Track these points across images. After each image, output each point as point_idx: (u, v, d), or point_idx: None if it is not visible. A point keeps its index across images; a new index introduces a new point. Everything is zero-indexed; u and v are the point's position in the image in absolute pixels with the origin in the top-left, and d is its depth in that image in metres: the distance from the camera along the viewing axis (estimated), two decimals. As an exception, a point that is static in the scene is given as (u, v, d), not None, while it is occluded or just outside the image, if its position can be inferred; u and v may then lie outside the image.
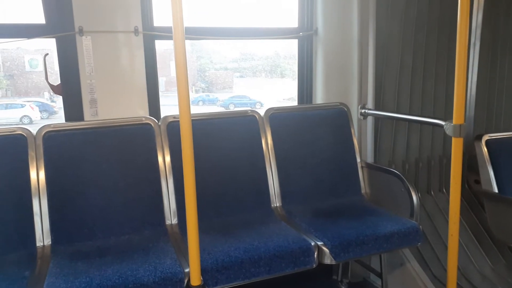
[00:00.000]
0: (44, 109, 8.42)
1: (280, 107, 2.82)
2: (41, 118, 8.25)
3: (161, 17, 2.66)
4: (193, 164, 1.72)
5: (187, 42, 1.85)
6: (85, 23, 2.44)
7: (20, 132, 2.23)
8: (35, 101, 8.51)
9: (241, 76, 10.67)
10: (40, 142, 2.25)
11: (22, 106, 8.69)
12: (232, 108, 9.91)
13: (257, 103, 10.07)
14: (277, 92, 9.01)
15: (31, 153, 2.22)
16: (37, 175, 2.20)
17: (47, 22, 2.48)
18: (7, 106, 8.96)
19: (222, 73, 10.78)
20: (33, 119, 8.54)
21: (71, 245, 2.17)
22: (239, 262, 2.01)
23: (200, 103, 11.64)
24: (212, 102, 10.66)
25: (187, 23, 2.79)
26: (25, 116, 8.60)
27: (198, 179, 1.77)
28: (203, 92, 10.84)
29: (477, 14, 3.14)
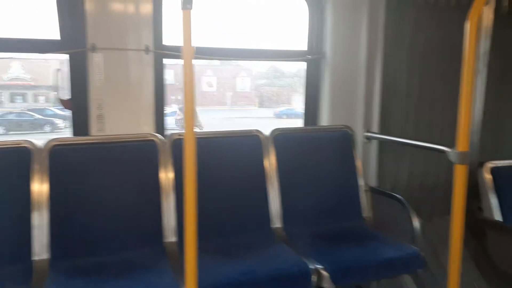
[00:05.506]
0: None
1: (285, 128, 2.68)
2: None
3: (170, 37, 2.55)
4: (195, 182, 1.57)
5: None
6: (98, 40, 2.35)
7: (26, 145, 2.12)
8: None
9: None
10: (46, 155, 2.13)
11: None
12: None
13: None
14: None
15: (36, 166, 2.10)
16: (40, 188, 2.08)
17: (62, 38, 2.40)
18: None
19: (279, 89, 10.93)
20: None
21: (69, 260, 2.03)
22: (238, 284, 1.88)
23: (284, 116, 11.64)
24: (296, 115, 10.63)
25: (198, 43, 2.70)
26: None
27: (199, 197, 1.63)
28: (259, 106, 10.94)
29: (484, 41, 2.98)
